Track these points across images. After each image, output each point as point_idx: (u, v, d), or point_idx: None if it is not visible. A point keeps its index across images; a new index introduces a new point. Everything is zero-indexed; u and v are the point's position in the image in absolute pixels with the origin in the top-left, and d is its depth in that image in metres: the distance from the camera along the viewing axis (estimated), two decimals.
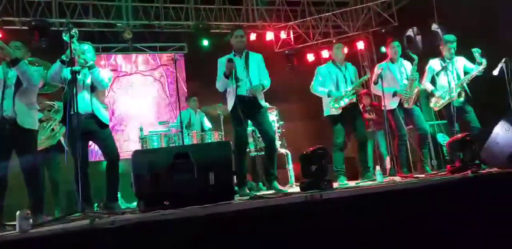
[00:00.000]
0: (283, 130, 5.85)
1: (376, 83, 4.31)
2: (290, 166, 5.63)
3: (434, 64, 4.67)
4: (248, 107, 3.76)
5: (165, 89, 7.84)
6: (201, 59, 7.65)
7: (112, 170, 3.56)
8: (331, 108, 4.38)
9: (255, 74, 3.86)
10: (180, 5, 7.48)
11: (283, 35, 7.95)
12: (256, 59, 3.94)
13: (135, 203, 4.41)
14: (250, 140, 5.16)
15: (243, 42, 3.89)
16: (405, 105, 4.43)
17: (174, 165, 2.41)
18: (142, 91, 7.67)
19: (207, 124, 6.23)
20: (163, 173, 2.42)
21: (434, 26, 6.57)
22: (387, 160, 5.78)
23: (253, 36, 7.63)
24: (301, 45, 8.07)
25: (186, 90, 7.79)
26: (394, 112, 4.45)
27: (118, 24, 7.11)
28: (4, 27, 6.46)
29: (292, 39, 8.02)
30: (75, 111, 2.94)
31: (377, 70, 4.48)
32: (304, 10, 8.09)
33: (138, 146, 5.97)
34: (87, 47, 3.52)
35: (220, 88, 3.91)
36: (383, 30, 7.44)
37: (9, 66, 3.19)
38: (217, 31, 7.80)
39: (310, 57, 8.05)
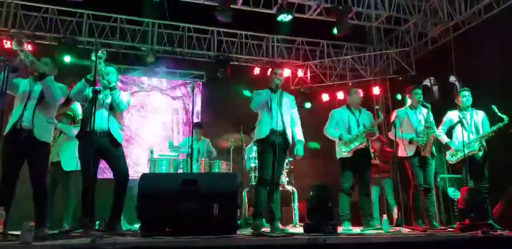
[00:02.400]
0: (292, 166, 5.86)
1: (392, 128, 4.31)
2: (295, 205, 5.56)
3: (452, 116, 4.67)
4: (277, 141, 3.87)
5: (180, 114, 8.00)
6: (218, 89, 7.89)
7: (120, 190, 3.57)
8: (342, 151, 4.39)
9: (287, 113, 4.02)
10: (204, 35, 7.83)
11: (300, 73, 8.18)
12: (289, 99, 4.13)
13: (137, 225, 4.41)
14: (255, 173, 5.17)
15: (282, 81, 4.07)
16: (422, 153, 4.38)
17: (180, 192, 2.43)
18: (156, 114, 7.83)
19: (214, 152, 6.28)
20: (168, 199, 2.43)
21: (452, 78, 6.73)
22: (395, 209, 5.69)
23: (269, 71, 7.86)
24: (317, 85, 8.27)
25: (200, 117, 7.94)
26: (410, 160, 4.39)
27: (142, 48, 7.42)
28: (36, 41, 6.79)
29: (309, 78, 8.24)
30: (91, 128, 3.02)
31: (394, 115, 4.48)
32: (323, 51, 8.38)
33: (145, 167, 6.06)
34: (112, 69, 3.68)
35: (255, 109, 4.04)
36: (400, 78, 7.61)
37: (36, 80, 3.34)
38: (236, 63, 8.09)
39: (325, 97, 8.22)
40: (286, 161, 5.60)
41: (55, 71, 3.51)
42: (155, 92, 7.97)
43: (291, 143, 4.04)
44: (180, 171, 5.48)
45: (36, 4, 6.83)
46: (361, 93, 4.60)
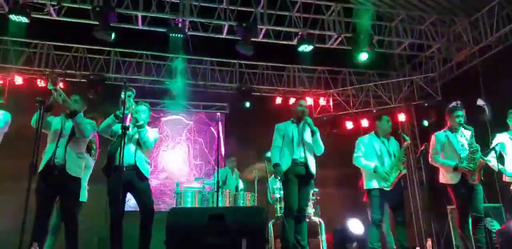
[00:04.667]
0: (318, 197, 5.77)
1: (434, 154, 4.08)
2: (323, 237, 5.42)
3: (502, 138, 4.27)
4: (300, 173, 3.90)
5: (202, 146, 8.13)
6: (241, 120, 8.02)
7: (146, 224, 3.61)
8: (373, 183, 4.15)
9: (309, 144, 4.03)
10: (226, 68, 8.10)
11: (322, 101, 8.25)
12: (312, 130, 4.10)
13: None
14: (281, 205, 5.12)
15: (305, 112, 4.12)
16: (470, 181, 3.98)
17: (208, 227, 2.45)
18: (179, 146, 7.98)
19: (241, 184, 6.30)
20: (196, 234, 2.45)
21: (480, 102, 6.60)
22: (429, 242, 5.44)
23: (292, 101, 7.97)
24: (340, 113, 8.29)
25: (224, 149, 8.04)
26: (455, 188, 4.03)
27: (167, 82, 7.73)
28: (66, 79, 7.20)
29: (331, 106, 8.28)
30: (119, 163, 3.12)
31: (434, 140, 4.17)
32: (345, 78, 8.47)
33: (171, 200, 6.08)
34: (144, 108, 3.84)
35: (274, 154, 4.02)
36: (426, 104, 7.53)
37: (67, 117, 3.53)
38: (258, 94, 8.26)
39: (349, 124, 8.20)
40: (312, 191, 5.54)
41: (84, 107, 3.70)
42: (179, 125, 8.17)
43: (314, 173, 4.01)
44: (206, 203, 5.51)
45: (67, 44, 7.30)
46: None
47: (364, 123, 8.03)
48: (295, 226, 3.80)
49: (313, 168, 3.99)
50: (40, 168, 3.35)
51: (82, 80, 7.32)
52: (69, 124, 3.52)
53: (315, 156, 4.08)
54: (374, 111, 8.08)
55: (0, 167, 6.15)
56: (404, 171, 4.15)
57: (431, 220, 5.44)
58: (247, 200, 5.62)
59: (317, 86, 8.36)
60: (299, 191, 3.89)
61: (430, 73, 7.81)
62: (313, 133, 4.04)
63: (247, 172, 6.09)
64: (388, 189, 4.06)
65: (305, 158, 3.94)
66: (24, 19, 5.16)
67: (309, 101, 8.15)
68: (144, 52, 7.64)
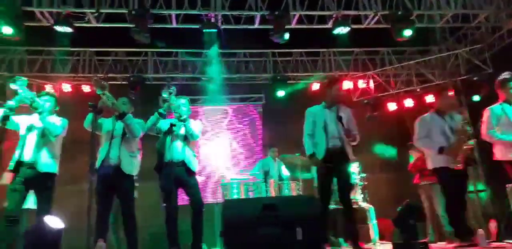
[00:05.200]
0: (365, 183, 5.72)
1: (490, 129, 3.81)
2: (373, 222, 5.38)
3: None
4: (336, 159, 3.78)
5: (243, 137, 8.26)
6: (278, 110, 8.04)
7: (197, 218, 3.78)
8: (439, 162, 3.87)
9: (344, 127, 3.84)
10: (259, 58, 8.11)
11: (361, 84, 8.06)
12: (347, 113, 3.98)
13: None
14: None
15: (341, 95, 4.01)
16: None
17: (262, 217, 2.52)
18: (219, 139, 8.16)
19: (285, 172, 6.37)
20: (250, 225, 2.53)
21: None
22: (492, 223, 5.21)
23: (325, 85, 7.85)
24: (381, 94, 8.07)
25: (264, 139, 8.12)
26: None
27: (203, 78, 7.88)
28: (109, 83, 7.52)
29: (372, 88, 8.07)
30: (171, 159, 3.27)
31: (489, 114, 3.89)
32: (384, 58, 8.21)
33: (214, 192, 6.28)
34: (184, 101, 3.98)
35: (307, 144, 3.91)
36: (475, 78, 7.13)
37: (117, 119, 3.73)
38: (293, 82, 8.22)
39: (391, 106, 7.98)
40: (359, 177, 5.50)
41: (132, 108, 3.89)
42: (217, 119, 8.33)
43: (351, 158, 3.89)
44: (251, 193, 5.64)
45: (107, 49, 7.61)
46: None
47: (408, 103, 7.77)
48: (344, 215, 3.78)
49: (350, 152, 3.86)
50: (96, 168, 3.58)
51: (123, 83, 7.62)
52: (119, 125, 3.72)
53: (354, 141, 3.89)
54: (418, 90, 7.80)
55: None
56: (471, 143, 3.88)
57: (490, 200, 5.20)
58: (292, 189, 5.69)
59: (355, 68, 8.17)
60: (340, 176, 3.82)
61: (477, 45, 7.36)
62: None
63: (289, 158, 6.15)
64: (454, 167, 3.81)
65: (342, 143, 3.80)
66: (68, 29, 5.46)
67: (348, 84, 8.00)
68: (179, 50, 7.80)
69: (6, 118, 3.28)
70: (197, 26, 5.99)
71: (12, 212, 3.39)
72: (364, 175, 5.67)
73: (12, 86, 3.43)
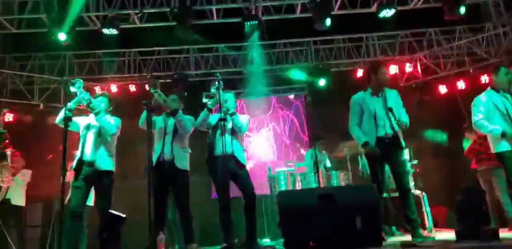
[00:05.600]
0: (417, 169, 5.54)
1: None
2: (427, 209, 5.22)
3: None
4: (387, 147, 3.63)
5: (288, 129, 8.25)
6: (322, 99, 7.92)
7: (250, 210, 3.84)
8: (504, 144, 3.61)
9: (394, 112, 3.65)
10: (300, 47, 8.01)
11: (408, 68, 7.75)
12: (393, 96, 3.81)
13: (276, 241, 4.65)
14: None
15: (387, 80, 3.81)
16: None
17: (319, 208, 2.52)
18: (263, 131, 8.20)
19: (328, 163, 6.32)
20: (308, 215, 2.55)
21: None
22: None
23: (369, 71, 7.62)
24: (431, 77, 7.72)
25: (308, 130, 8.06)
26: None
27: (244, 71, 7.93)
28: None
29: (419, 71, 7.74)
30: (221, 153, 3.34)
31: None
32: (431, 40, 7.82)
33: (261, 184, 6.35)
34: (230, 95, 4.05)
35: (355, 133, 3.75)
36: None
37: (168, 116, 3.86)
38: (336, 69, 8.06)
39: (442, 89, 7.62)
40: (410, 163, 5.34)
41: (182, 105, 4.00)
42: (261, 111, 8.37)
43: (403, 146, 3.71)
44: (298, 185, 5.65)
45: (150, 49, 7.84)
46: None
47: (460, 85, 7.39)
48: (403, 203, 3.66)
49: (401, 141, 3.68)
50: (153, 164, 3.72)
51: (167, 81, 7.83)
52: (171, 121, 3.85)
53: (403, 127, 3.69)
54: (471, 70, 7.38)
55: None
56: None
57: None
58: (340, 179, 5.63)
59: (401, 52, 7.86)
60: (394, 164, 3.66)
61: None
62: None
63: (338, 149, 6.07)
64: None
65: (393, 130, 3.63)
66: (114, 31, 5.70)
67: (394, 69, 7.72)
68: (220, 45, 7.88)
69: (67, 119, 3.48)
70: (238, 20, 6.01)
71: (76, 208, 3.61)
72: (415, 161, 5.50)
73: (71, 88, 3.62)
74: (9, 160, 5.33)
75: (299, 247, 2.50)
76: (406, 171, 3.83)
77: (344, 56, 7.96)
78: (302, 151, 7.74)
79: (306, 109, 8.23)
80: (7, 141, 3.84)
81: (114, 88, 7.73)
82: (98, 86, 7.59)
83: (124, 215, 3.62)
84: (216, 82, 3.68)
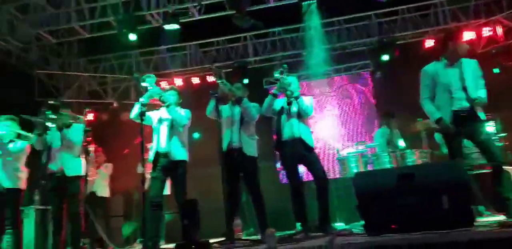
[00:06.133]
0: (506, 143, 5.07)
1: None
2: None
3: None
4: (465, 122, 3.36)
5: (354, 109, 7.99)
6: (389, 74, 7.53)
7: (322, 193, 3.81)
8: None
9: (472, 85, 3.39)
10: (362, 22, 7.64)
11: (486, 32, 7.03)
12: (472, 66, 3.48)
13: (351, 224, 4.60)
14: None
15: (466, 48, 3.51)
16: None
17: (399, 187, 2.41)
18: (328, 113, 8.03)
19: (401, 143, 6.00)
20: (388, 196, 2.45)
21: None
22: None
23: (443, 40, 7.03)
24: None
25: (376, 107, 7.75)
26: None
27: (304, 53, 7.78)
28: None
29: (500, 34, 6.99)
30: (288, 137, 3.33)
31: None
32: None
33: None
34: (293, 79, 4.00)
35: (428, 108, 3.53)
36: None
37: (234, 104, 3.93)
38: (402, 42, 7.59)
39: None
40: (497, 137, 4.90)
41: (246, 93, 4.04)
42: (324, 92, 8.18)
43: (484, 118, 3.40)
44: (370, 166, 5.45)
45: (209, 40, 7.99)
46: None
47: None
48: (494, 180, 3.37)
49: (480, 114, 3.38)
50: (224, 151, 3.82)
51: (228, 70, 7.95)
52: (237, 110, 3.92)
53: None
54: None
55: None
56: None
57: None
58: (416, 157, 5.33)
59: (476, 15, 7.14)
60: (475, 138, 3.39)
61: None
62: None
63: (410, 127, 5.75)
64: None
65: (470, 105, 3.32)
66: (175, 26, 5.90)
67: (469, 35, 7.04)
68: (276, 29, 7.79)
69: (142, 114, 3.70)
70: (296, 1, 5.87)
71: (155, 197, 3.83)
72: (504, 134, 5.03)
73: (143, 84, 3.83)
74: (92, 155, 5.83)
75: (380, 229, 2.42)
76: (493, 144, 3.49)
77: (410, 27, 7.44)
78: (372, 131, 7.47)
79: (374, 85, 7.90)
80: (89, 138, 4.21)
81: (178, 81, 8.02)
82: (164, 81, 7.94)
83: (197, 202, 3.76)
84: (279, 66, 3.65)
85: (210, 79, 7.83)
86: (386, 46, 7.29)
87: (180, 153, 3.97)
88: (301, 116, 3.89)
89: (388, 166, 5.25)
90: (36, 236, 5.17)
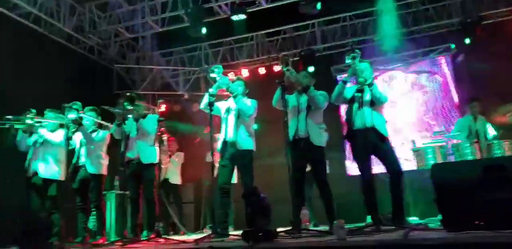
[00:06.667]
0: None
1: None
2: None
3: None
4: None
5: (433, 96, 7.46)
6: (475, 57, 6.88)
7: (395, 185, 3.62)
8: None
9: None
10: (442, 3, 7.07)
11: None
12: None
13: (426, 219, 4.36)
14: None
15: None
16: None
17: (486, 181, 2.19)
18: (405, 101, 7.58)
19: (491, 131, 5.46)
20: (471, 190, 2.24)
21: None
22: None
23: None
24: None
25: (458, 95, 7.16)
26: None
27: (376, 39, 7.41)
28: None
29: None
30: (360, 126, 3.20)
31: None
32: None
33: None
34: (365, 65, 3.81)
35: None
36: None
37: (300, 93, 3.86)
38: (490, 21, 6.88)
39: None
40: None
41: (313, 81, 3.95)
42: (400, 79, 7.74)
43: None
44: (451, 158, 5.06)
45: (275, 29, 7.96)
46: None
47: None
48: None
49: None
50: (290, 140, 3.78)
51: (295, 58, 7.86)
52: (303, 99, 3.85)
53: None
54: None
55: None
56: None
57: None
58: (505, 148, 4.84)
59: None
60: None
61: None
62: None
63: (499, 115, 5.23)
64: None
65: None
66: (243, 16, 5.96)
67: None
68: (346, 14, 7.52)
69: (211, 104, 3.81)
70: None
71: (223, 185, 3.96)
72: None
73: (211, 74, 3.94)
74: (165, 144, 6.16)
75: (461, 225, 2.22)
76: None
77: (498, 5, 6.72)
78: (452, 120, 6.93)
79: (455, 70, 7.29)
80: (163, 128, 4.46)
81: (245, 72, 8.12)
82: (232, 72, 8.09)
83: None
84: (351, 52, 3.50)
85: (276, 69, 7.83)
86: (470, 27, 6.66)
87: (247, 143, 4.03)
88: (374, 104, 3.71)
89: (470, 158, 4.84)
90: (116, 218, 5.66)
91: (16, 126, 4.34)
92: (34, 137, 4.48)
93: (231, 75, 7.82)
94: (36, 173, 4.41)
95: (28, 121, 4.32)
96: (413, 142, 5.62)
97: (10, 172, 4.04)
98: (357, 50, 3.55)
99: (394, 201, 3.62)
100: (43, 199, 4.38)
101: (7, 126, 4.24)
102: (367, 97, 3.71)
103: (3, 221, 3.62)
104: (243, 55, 8.26)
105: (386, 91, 3.80)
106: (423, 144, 5.55)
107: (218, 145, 4.10)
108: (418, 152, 5.30)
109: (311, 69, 7.30)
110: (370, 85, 3.64)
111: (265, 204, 2.88)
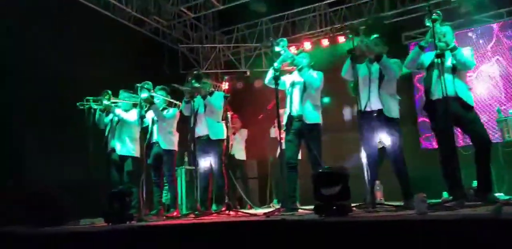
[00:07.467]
0: None
1: None
2: None
3: None
4: None
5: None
6: None
7: (482, 157, 3.34)
8: None
9: None
10: None
11: None
12: None
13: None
14: None
15: None
16: None
17: None
18: (487, 67, 6.88)
19: None
20: None
21: None
22: None
23: None
24: None
25: None
26: None
27: (452, 0, 6.74)
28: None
29: None
30: (442, 95, 2.95)
31: None
32: None
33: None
34: (447, 29, 3.49)
35: None
36: None
37: (372, 62, 3.63)
38: None
39: None
40: None
41: (386, 49, 3.68)
42: (482, 41, 7.00)
43: None
44: None
45: None
46: None
47: None
48: None
49: None
50: (362, 111, 3.56)
51: (362, 27, 7.43)
52: (375, 68, 3.61)
53: None
54: None
55: None
56: None
57: None
58: None
59: None
60: None
61: None
62: None
63: None
64: None
65: None
66: None
67: None
68: None
69: (277, 78, 3.75)
70: None
71: (290, 159, 3.93)
72: None
73: (276, 48, 3.87)
74: (230, 121, 6.29)
75: None
76: None
77: None
78: None
79: None
80: (227, 105, 4.55)
81: (307, 45, 7.88)
82: (293, 46, 7.90)
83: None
84: (431, 13, 3.19)
85: (341, 39, 7.49)
86: None
87: (313, 116, 3.95)
88: (457, 70, 3.39)
89: None
90: (186, 192, 5.95)
91: (95, 107, 4.67)
92: (110, 116, 4.81)
93: (293, 49, 7.66)
94: (113, 150, 4.75)
95: (105, 102, 4.62)
96: (498, 111, 5.13)
97: (93, 148, 4.38)
98: (438, 11, 3.22)
99: (481, 174, 3.37)
100: (121, 174, 4.73)
101: (87, 106, 4.57)
102: (448, 62, 3.40)
103: (89, 195, 3.96)
104: (305, 28, 8.01)
105: (472, 55, 3.43)
106: (509, 113, 5.06)
107: (284, 120, 4.06)
108: (503, 122, 4.84)
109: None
110: (453, 49, 3.32)
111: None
